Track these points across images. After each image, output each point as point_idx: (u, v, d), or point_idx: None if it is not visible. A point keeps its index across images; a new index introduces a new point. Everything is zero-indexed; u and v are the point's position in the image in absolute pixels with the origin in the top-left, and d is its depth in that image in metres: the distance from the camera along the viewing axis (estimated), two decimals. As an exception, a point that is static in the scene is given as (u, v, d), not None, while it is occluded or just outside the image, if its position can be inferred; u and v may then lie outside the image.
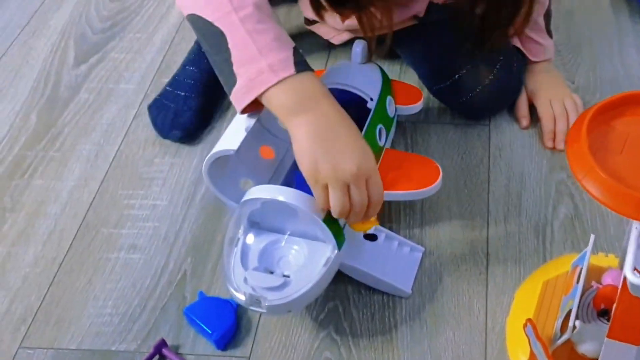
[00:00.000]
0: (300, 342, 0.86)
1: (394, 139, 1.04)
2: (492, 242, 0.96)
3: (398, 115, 1.04)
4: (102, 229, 1.01)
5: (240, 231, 0.84)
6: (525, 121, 1.10)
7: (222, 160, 0.87)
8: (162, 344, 0.86)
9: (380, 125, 0.94)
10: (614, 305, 0.68)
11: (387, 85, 1.01)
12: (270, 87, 0.75)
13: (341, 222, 0.82)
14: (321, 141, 0.75)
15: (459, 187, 1.02)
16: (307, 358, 0.85)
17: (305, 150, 0.75)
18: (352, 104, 0.91)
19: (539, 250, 0.95)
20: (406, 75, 1.19)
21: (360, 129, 0.83)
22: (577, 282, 0.82)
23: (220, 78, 0.81)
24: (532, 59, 1.10)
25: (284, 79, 0.75)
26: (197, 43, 1.17)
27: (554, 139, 1.07)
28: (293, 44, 0.78)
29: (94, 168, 1.10)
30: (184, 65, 1.16)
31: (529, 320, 0.81)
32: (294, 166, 0.82)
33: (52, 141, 1.15)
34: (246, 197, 0.84)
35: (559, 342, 0.79)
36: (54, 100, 1.22)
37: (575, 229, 0.97)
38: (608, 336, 0.69)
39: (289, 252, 0.83)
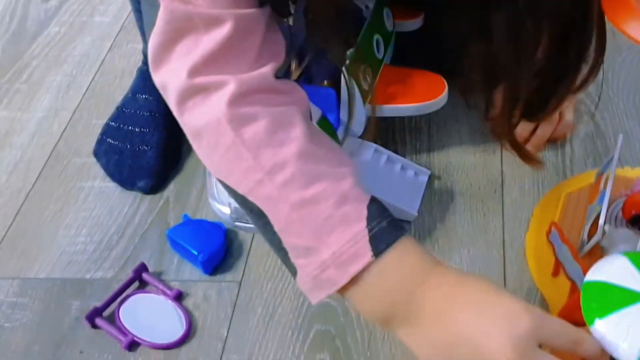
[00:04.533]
0: (297, 264, 0.80)
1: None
2: (506, 161, 0.90)
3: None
4: (74, 159, 0.95)
5: None
6: (494, 111, 0.92)
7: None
8: (142, 268, 0.79)
9: (377, 36, 0.89)
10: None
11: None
12: (342, 288, 0.55)
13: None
14: (445, 351, 0.53)
15: (470, 117, 0.96)
16: (306, 280, 0.79)
17: None
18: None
19: (558, 167, 0.90)
20: None
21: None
22: (604, 187, 0.76)
23: (275, 253, 0.61)
24: None
25: (360, 273, 0.54)
26: (144, 62, 0.95)
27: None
28: (367, 198, 0.55)
29: (65, 99, 1.04)
30: (133, 93, 0.94)
31: (553, 223, 0.76)
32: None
33: (18, 73, 1.09)
34: None
35: (588, 247, 0.73)
36: (21, 34, 1.16)
37: (597, 147, 0.92)
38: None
39: None
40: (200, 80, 0.55)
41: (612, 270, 0.59)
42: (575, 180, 0.87)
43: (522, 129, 0.90)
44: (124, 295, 0.78)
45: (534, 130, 0.90)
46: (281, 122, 0.56)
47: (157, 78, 0.58)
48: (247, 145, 0.54)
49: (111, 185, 0.91)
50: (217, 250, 0.79)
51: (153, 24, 0.56)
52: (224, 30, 0.55)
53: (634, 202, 0.77)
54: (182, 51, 0.56)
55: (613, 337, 0.55)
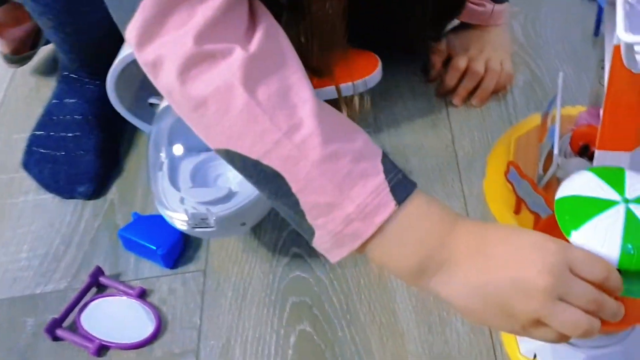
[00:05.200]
0: (261, 243, 0.82)
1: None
2: (453, 116, 0.95)
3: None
4: (0, 176, 0.94)
5: (163, 154, 0.79)
6: (435, 69, 1.00)
7: (128, 78, 0.83)
8: (98, 272, 0.80)
9: None
10: (601, 111, 0.68)
11: None
12: (372, 240, 0.57)
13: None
14: (484, 296, 0.56)
15: (409, 77, 1.01)
16: (273, 258, 0.81)
17: (475, 316, 0.57)
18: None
19: (503, 116, 0.95)
20: None
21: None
22: (552, 123, 0.82)
23: (286, 218, 0.62)
24: (465, 20, 1.00)
25: (384, 225, 0.56)
26: (64, 68, 0.96)
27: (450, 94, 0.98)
28: (380, 154, 0.58)
29: (-22, 119, 1.03)
30: (58, 99, 0.94)
31: (510, 162, 0.80)
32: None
33: None
34: (158, 115, 0.80)
35: (545, 179, 0.79)
36: None
37: (536, 92, 0.98)
38: (598, 147, 0.69)
39: (225, 168, 0.79)
40: (208, 47, 0.56)
41: (580, 184, 0.64)
42: (522, 125, 0.92)
43: (468, 82, 0.96)
44: (82, 302, 0.78)
45: (478, 84, 0.96)
46: (291, 85, 0.57)
47: (148, 54, 0.58)
48: (262, 107, 0.55)
49: (47, 197, 0.91)
50: (176, 243, 0.81)
51: (136, 1, 0.56)
52: None
53: (581, 134, 0.82)
54: (176, 23, 0.57)
55: (591, 244, 0.59)
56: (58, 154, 0.90)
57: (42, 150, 0.91)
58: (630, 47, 0.58)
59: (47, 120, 0.93)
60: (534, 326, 0.55)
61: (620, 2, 0.59)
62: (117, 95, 0.88)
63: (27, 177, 0.93)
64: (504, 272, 0.55)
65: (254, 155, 0.57)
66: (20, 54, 1.04)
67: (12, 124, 1.01)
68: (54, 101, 0.94)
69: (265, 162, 0.57)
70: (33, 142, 0.93)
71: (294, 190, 0.57)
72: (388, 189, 0.56)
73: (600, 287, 0.56)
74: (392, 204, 0.56)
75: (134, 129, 0.97)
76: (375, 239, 0.57)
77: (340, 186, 0.56)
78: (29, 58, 1.04)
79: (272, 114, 0.56)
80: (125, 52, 0.83)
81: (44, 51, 1.08)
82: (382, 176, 0.56)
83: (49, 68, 1.08)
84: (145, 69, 0.60)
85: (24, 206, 0.90)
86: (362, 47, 0.91)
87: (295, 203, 0.57)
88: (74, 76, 0.94)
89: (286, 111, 0.56)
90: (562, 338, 0.55)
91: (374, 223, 0.56)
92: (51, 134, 0.92)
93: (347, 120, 0.60)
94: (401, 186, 0.57)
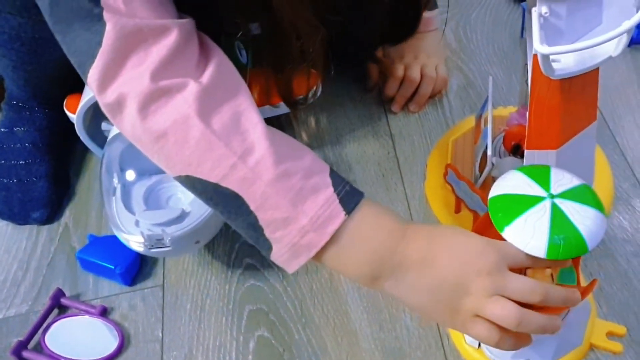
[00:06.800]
0: (215, 256, 0.87)
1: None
2: (393, 123, 1.01)
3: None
4: (-47, 207, 0.96)
5: (115, 179, 0.83)
6: (372, 79, 1.06)
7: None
8: (59, 293, 0.83)
9: (237, 42, 0.94)
10: (527, 114, 0.75)
11: None
12: (326, 249, 0.62)
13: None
14: (431, 296, 0.62)
15: (347, 86, 1.06)
16: (228, 269, 0.85)
17: (424, 314, 0.65)
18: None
19: (440, 119, 1.01)
20: None
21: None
22: (485, 125, 0.88)
23: (244, 236, 0.66)
24: None
25: (336, 234, 0.62)
26: (11, 97, 0.98)
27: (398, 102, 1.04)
28: (327, 169, 0.64)
29: None
30: (7, 127, 0.97)
31: (448, 165, 0.86)
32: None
33: None
34: (109, 141, 0.83)
35: (481, 179, 0.85)
36: None
37: (470, 95, 1.04)
38: (526, 147, 0.75)
39: (176, 189, 0.83)
40: (164, 83, 0.62)
41: (510, 183, 0.70)
42: (458, 128, 0.98)
43: (405, 89, 1.02)
44: (45, 324, 0.81)
45: (415, 91, 1.02)
46: (242, 111, 0.63)
47: (110, 95, 0.62)
48: (217, 135, 0.61)
49: (1, 224, 0.93)
50: (134, 261, 0.84)
51: (95, 46, 0.61)
52: (171, 37, 0.62)
53: (512, 134, 0.89)
54: (134, 63, 0.62)
55: (522, 237, 0.65)
56: (10, 181, 0.93)
57: None
58: (546, 56, 0.65)
59: None
60: (472, 322, 0.61)
61: (535, 15, 0.66)
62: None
63: (-21, 205, 0.95)
64: (448, 275, 0.61)
65: (212, 179, 0.62)
66: None
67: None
68: (2, 130, 0.97)
69: (224, 184, 0.62)
70: None
71: (252, 208, 0.62)
72: (337, 201, 0.62)
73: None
74: (342, 214, 0.62)
75: (82, 154, 1.00)
76: (329, 248, 0.62)
77: (293, 202, 0.61)
78: None
79: (227, 140, 0.62)
80: (88, 96, 0.86)
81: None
82: (331, 189, 0.62)
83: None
84: (106, 111, 0.64)
85: (-21, 234, 0.92)
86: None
87: (255, 220, 0.62)
88: (23, 105, 0.97)
89: (239, 137, 0.62)
90: (498, 335, 0.61)
91: (326, 232, 0.61)
92: (2, 162, 0.95)
93: (292, 139, 0.66)
94: (349, 197, 0.63)
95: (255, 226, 0.63)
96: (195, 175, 0.63)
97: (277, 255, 0.64)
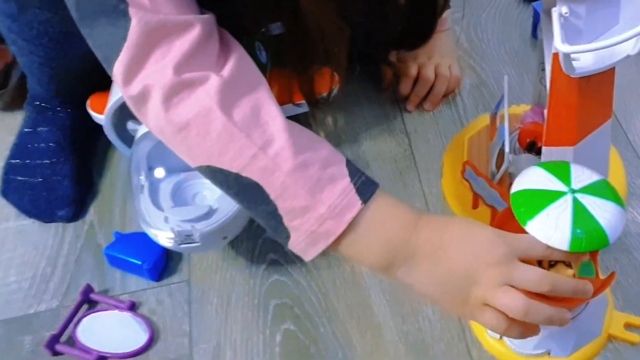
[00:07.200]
0: (239, 252, 0.89)
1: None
2: (408, 121, 1.03)
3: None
4: (-23, 206, 0.98)
5: (143, 177, 0.85)
6: (387, 79, 1.08)
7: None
8: (89, 289, 0.85)
9: (257, 43, 0.96)
10: (544, 110, 0.77)
11: None
12: (342, 238, 0.64)
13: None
14: (442, 285, 0.64)
15: (363, 85, 1.08)
16: (252, 265, 0.87)
17: (435, 301, 0.67)
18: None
19: (454, 118, 1.03)
20: None
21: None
22: (501, 123, 0.90)
23: (263, 225, 0.69)
24: None
25: (353, 223, 0.64)
26: (33, 97, 1.00)
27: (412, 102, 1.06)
28: (344, 160, 0.66)
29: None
30: (31, 127, 0.99)
31: (466, 162, 0.88)
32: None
33: None
34: (137, 140, 0.85)
35: (499, 175, 0.87)
36: None
37: (483, 94, 1.07)
38: (544, 144, 0.77)
39: (202, 187, 0.85)
40: (187, 76, 0.64)
41: (531, 179, 0.72)
42: (472, 126, 1.01)
43: (420, 89, 1.04)
44: (76, 318, 0.83)
45: (430, 90, 1.04)
46: (261, 104, 0.65)
47: (134, 87, 0.65)
48: (239, 127, 0.64)
49: (27, 223, 0.95)
50: (160, 256, 0.86)
51: (121, 40, 0.63)
52: (194, 32, 0.64)
53: (528, 131, 0.91)
54: (157, 57, 0.64)
55: (545, 231, 0.67)
56: (36, 180, 0.95)
57: (20, 178, 0.96)
58: (567, 55, 0.67)
59: (22, 148, 0.98)
60: (481, 311, 0.63)
61: (555, 15, 0.68)
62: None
63: (5, 204, 0.97)
64: (458, 267, 0.63)
65: (234, 169, 0.65)
66: None
67: (-17, 154, 1.05)
68: (26, 130, 0.99)
69: (244, 174, 0.64)
70: (9, 170, 0.97)
71: (272, 197, 0.64)
72: (354, 191, 0.64)
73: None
74: (358, 203, 0.64)
75: (104, 152, 1.02)
76: (346, 236, 0.64)
77: (312, 191, 0.64)
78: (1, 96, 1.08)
79: (248, 131, 0.64)
80: (117, 96, 0.88)
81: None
82: (347, 179, 0.65)
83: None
84: (131, 104, 0.67)
85: (6, 233, 0.94)
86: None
87: (274, 208, 0.65)
88: (46, 105, 0.99)
89: (260, 128, 0.64)
90: (506, 323, 0.62)
91: (343, 221, 0.64)
92: (27, 161, 0.96)
93: (310, 132, 0.69)
94: (365, 187, 0.65)
95: (274, 215, 0.65)
96: (217, 165, 0.65)
97: (294, 243, 0.66)
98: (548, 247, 0.64)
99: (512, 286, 0.62)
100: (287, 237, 0.66)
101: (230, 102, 0.65)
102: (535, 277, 0.62)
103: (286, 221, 0.65)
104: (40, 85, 0.97)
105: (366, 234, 0.65)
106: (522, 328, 0.63)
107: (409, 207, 0.67)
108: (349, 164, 0.66)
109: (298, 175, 0.63)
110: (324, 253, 0.65)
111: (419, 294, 0.66)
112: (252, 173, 0.64)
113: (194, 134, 0.65)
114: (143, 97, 0.65)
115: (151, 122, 0.67)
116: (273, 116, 0.65)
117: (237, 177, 0.65)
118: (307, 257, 0.66)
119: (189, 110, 0.64)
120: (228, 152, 0.64)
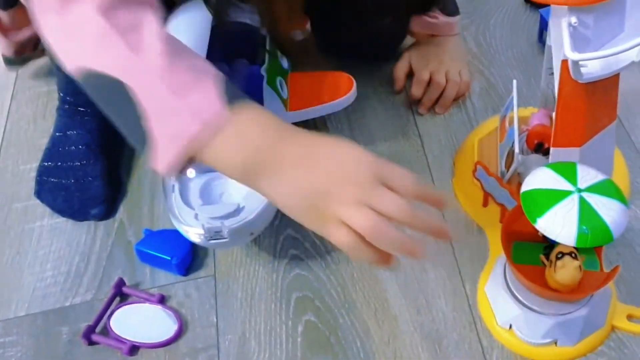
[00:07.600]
0: (262, 248, 0.93)
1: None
2: (420, 124, 1.08)
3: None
4: (14, 205, 1.03)
5: (173, 177, 0.87)
6: (399, 83, 1.12)
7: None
8: (121, 282, 0.90)
9: (279, 78, 1.00)
10: (553, 115, 0.81)
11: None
12: (200, 138, 0.64)
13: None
14: (300, 197, 0.63)
15: (376, 89, 1.13)
16: (275, 260, 0.92)
17: (291, 212, 0.65)
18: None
19: (465, 120, 1.08)
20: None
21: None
22: (510, 125, 0.95)
23: (128, 134, 0.69)
24: (421, 30, 1.12)
25: (213, 125, 0.63)
26: (64, 101, 1.05)
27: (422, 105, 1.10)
28: (219, 74, 0.66)
29: (-16, 152, 1.11)
30: (61, 131, 1.03)
31: (478, 162, 0.93)
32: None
33: None
34: None
35: (508, 175, 0.91)
36: None
37: (492, 97, 1.11)
38: (552, 145, 0.82)
39: (228, 186, 0.88)
40: None
41: (540, 179, 0.76)
42: (482, 128, 1.05)
43: (432, 93, 1.09)
44: (110, 310, 0.87)
45: (441, 94, 1.09)
46: (144, 21, 0.67)
47: None
48: (117, 30, 0.65)
49: (60, 221, 1.00)
50: (188, 252, 0.91)
51: None
52: None
53: (536, 133, 0.95)
54: None
55: (553, 228, 0.72)
56: (68, 182, 1.00)
57: (53, 180, 1.01)
58: (576, 62, 0.71)
59: (54, 151, 1.02)
60: (335, 227, 0.61)
61: (565, 24, 0.72)
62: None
63: (39, 204, 1.01)
64: (321, 180, 0.62)
65: (105, 69, 0.65)
66: (21, 56, 1.15)
67: (17, 156, 1.10)
68: (57, 134, 1.04)
69: (114, 74, 0.65)
70: (43, 172, 1.02)
71: (139, 98, 0.64)
72: (219, 96, 0.64)
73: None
74: (221, 105, 0.64)
75: (131, 154, 1.07)
76: (206, 138, 0.64)
77: (178, 94, 0.64)
78: (30, 59, 1.14)
79: (125, 37, 0.65)
80: None
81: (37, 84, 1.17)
82: (214, 85, 0.64)
83: (43, 102, 1.17)
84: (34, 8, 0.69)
85: (41, 230, 0.99)
86: (333, 52, 1.04)
87: (142, 112, 0.65)
88: (75, 109, 1.03)
89: (137, 35, 0.66)
90: (356, 243, 0.61)
91: (202, 120, 0.63)
92: (59, 164, 1.01)
93: (192, 50, 0.71)
94: (234, 95, 0.65)
95: (143, 117, 0.65)
96: (92, 67, 0.66)
97: (158, 147, 0.65)
98: (412, 178, 0.64)
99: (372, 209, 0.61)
100: (145, 141, 0.65)
101: (114, 10, 0.66)
102: (395, 203, 0.61)
103: (153, 124, 0.65)
104: (72, 88, 1.02)
105: (227, 138, 0.64)
106: (372, 253, 0.62)
107: (280, 120, 0.66)
108: (223, 77, 0.66)
109: (167, 76, 0.64)
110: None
111: (281, 207, 0.65)
112: (119, 72, 0.65)
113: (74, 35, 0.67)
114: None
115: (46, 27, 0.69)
116: (153, 30, 0.66)
117: (106, 77, 0.65)
118: (164, 162, 0.65)
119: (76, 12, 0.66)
120: (103, 53, 0.66)
